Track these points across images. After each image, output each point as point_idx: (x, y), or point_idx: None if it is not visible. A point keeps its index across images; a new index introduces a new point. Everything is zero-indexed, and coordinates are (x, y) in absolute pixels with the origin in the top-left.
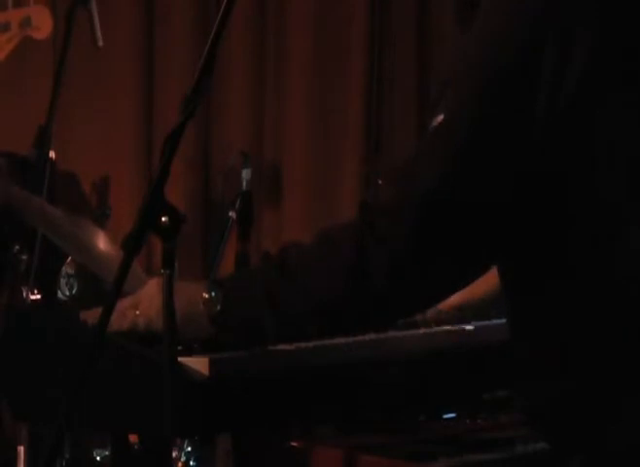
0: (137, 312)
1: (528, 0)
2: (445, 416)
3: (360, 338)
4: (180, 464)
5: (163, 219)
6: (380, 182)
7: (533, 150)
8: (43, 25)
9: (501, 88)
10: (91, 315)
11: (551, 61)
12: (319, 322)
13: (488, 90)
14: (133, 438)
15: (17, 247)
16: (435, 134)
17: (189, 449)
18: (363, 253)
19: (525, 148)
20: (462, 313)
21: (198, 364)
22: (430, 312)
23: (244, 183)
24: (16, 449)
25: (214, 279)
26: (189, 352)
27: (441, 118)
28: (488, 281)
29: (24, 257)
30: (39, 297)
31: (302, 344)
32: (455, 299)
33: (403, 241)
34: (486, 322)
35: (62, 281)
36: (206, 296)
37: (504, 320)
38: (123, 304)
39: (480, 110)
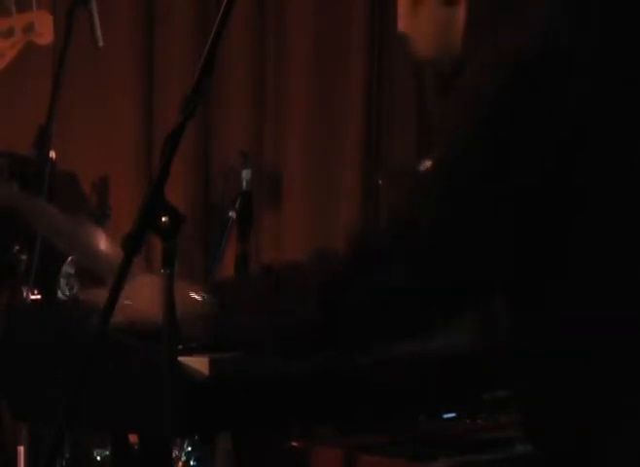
0: (132, 304)
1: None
2: (445, 416)
3: None
4: (180, 464)
5: (163, 219)
6: (380, 182)
7: (538, 162)
8: (46, 31)
9: (501, 110)
10: (93, 297)
11: (551, 80)
12: (312, 343)
13: (491, 116)
14: (133, 438)
15: (17, 247)
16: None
17: (189, 448)
18: (354, 285)
19: (530, 161)
20: None
21: (198, 364)
22: None
23: (244, 183)
24: (16, 449)
25: (212, 285)
26: (189, 352)
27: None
28: None
29: (24, 257)
30: (39, 297)
31: None
32: None
33: (403, 278)
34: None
35: (62, 281)
36: (204, 303)
37: None
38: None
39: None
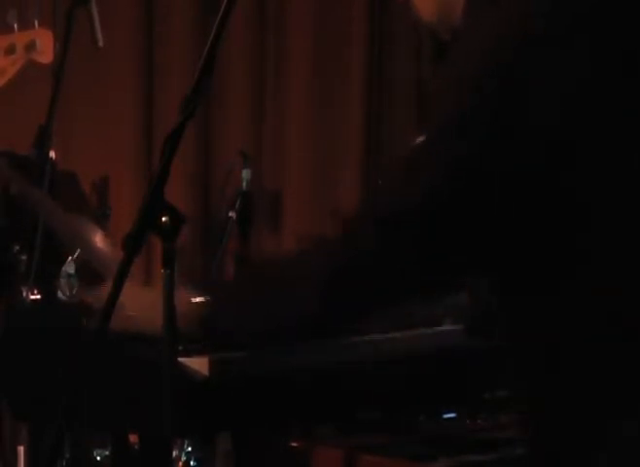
0: (134, 314)
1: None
2: (445, 416)
3: (360, 338)
4: (180, 464)
5: (163, 219)
6: (380, 182)
7: (521, 155)
8: (47, 49)
9: (485, 101)
10: (93, 297)
11: (538, 82)
12: (310, 327)
13: (473, 105)
14: (133, 438)
15: (17, 247)
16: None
17: (189, 449)
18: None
19: (513, 153)
20: None
21: (198, 364)
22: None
23: (244, 183)
24: (16, 449)
25: (203, 284)
26: (189, 352)
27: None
28: None
29: (24, 257)
30: (39, 297)
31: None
32: None
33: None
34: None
35: (62, 281)
36: (197, 301)
37: None
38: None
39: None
